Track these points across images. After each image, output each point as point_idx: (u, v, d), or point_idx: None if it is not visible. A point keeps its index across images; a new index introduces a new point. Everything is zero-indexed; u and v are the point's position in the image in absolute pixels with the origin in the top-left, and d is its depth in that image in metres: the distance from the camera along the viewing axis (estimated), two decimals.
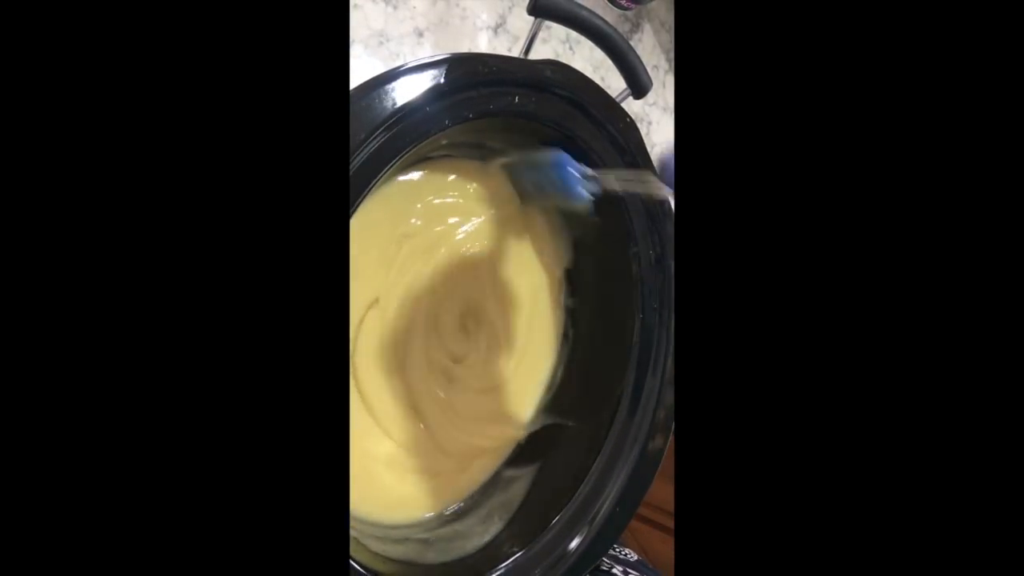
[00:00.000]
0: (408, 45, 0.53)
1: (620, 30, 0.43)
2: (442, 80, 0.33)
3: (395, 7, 0.52)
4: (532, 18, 0.41)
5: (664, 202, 0.37)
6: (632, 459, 0.42)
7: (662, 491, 0.40)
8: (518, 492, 0.45)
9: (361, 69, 0.38)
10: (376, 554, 0.37)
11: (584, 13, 0.41)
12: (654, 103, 0.71)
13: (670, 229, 0.44)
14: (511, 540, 0.41)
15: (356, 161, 0.31)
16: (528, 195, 0.44)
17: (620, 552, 0.49)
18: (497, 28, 0.59)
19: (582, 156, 0.40)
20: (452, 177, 0.44)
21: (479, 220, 0.45)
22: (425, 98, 0.33)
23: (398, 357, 0.41)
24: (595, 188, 0.38)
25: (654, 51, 0.72)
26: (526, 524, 0.42)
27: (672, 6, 0.73)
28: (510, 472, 0.47)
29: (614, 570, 0.44)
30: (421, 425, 0.43)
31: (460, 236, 0.44)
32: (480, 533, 0.42)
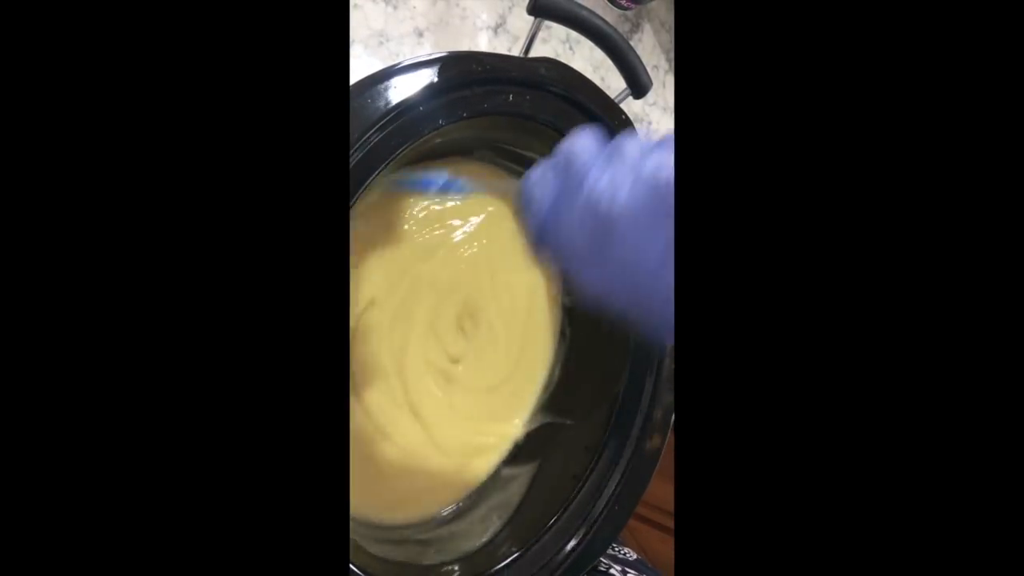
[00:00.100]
0: (408, 45, 0.53)
1: (620, 30, 0.43)
2: (436, 79, 0.33)
3: (395, 7, 0.52)
4: (532, 18, 0.41)
5: None
6: (630, 458, 0.42)
7: (661, 490, 0.40)
8: (516, 491, 0.45)
9: (361, 69, 0.38)
10: (375, 556, 0.37)
11: (584, 13, 0.41)
12: (654, 103, 0.71)
13: None
14: (509, 540, 0.41)
15: (351, 160, 0.31)
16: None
17: (619, 552, 0.49)
18: (497, 28, 0.59)
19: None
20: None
21: (476, 220, 0.45)
22: (419, 97, 0.33)
23: (396, 358, 0.41)
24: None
25: (654, 51, 0.72)
26: (524, 524, 0.42)
27: (672, 6, 0.73)
28: (508, 471, 0.47)
29: (612, 570, 0.44)
30: (419, 425, 0.43)
31: (457, 236, 0.44)
32: (479, 533, 0.42)
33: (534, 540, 0.39)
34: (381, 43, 0.51)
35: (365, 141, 0.32)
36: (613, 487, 0.41)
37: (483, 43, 0.58)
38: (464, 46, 0.56)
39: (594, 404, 0.44)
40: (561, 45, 0.63)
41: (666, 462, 0.40)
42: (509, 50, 0.59)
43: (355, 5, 0.50)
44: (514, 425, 0.48)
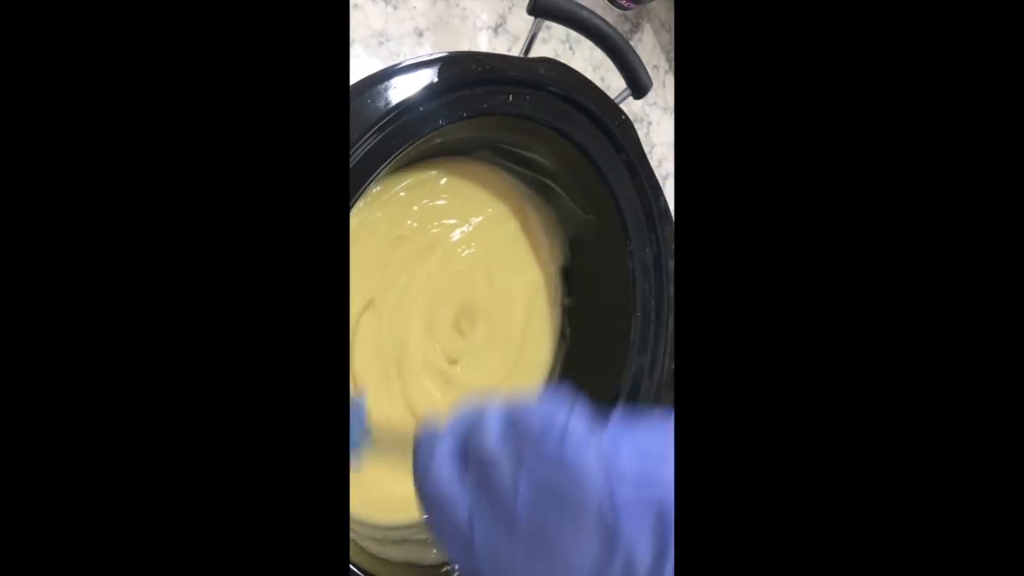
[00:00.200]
0: (408, 45, 0.53)
1: (620, 30, 0.43)
2: (436, 79, 0.33)
3: (395, 7, 0.52)
4: (532, 18, 0.41)
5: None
6: None
7: None
8: None
9: (361, 69, 0.38)
10: (375, 556, 0.37)
11: (584, 13, 0.41)
12: (654, 103, 0.71)
13: (668, 229, 0.44)
14: None
15: (351, 160, 0.31)
16: None
17: None
18: (497, 28, 0.59)
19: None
20: (447, 178, 0.44)
21: (475, 220, 0.45)
22: (419, 97, 0.33)
23: (395, 359, 0.41)
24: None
25: (654, 51, 0.72)
26: None
27: (672, 6, 0.73)
28: None
29: None
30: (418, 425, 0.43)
31: (455, 237, 0.44)
32: None
33: None
34: (381, 43, 0.51)
35: (365, 141, 0.32)
36: None
37: (483, 43, 0.58)
38: (464, 46, 0.56)
39: (594, 404, 0.44)
40: (561, 45, 0.63)
41: None
42: (509, 50, 0.59)
43: (355, 5, 0.50)
44: None
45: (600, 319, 0.47)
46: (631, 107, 0.65)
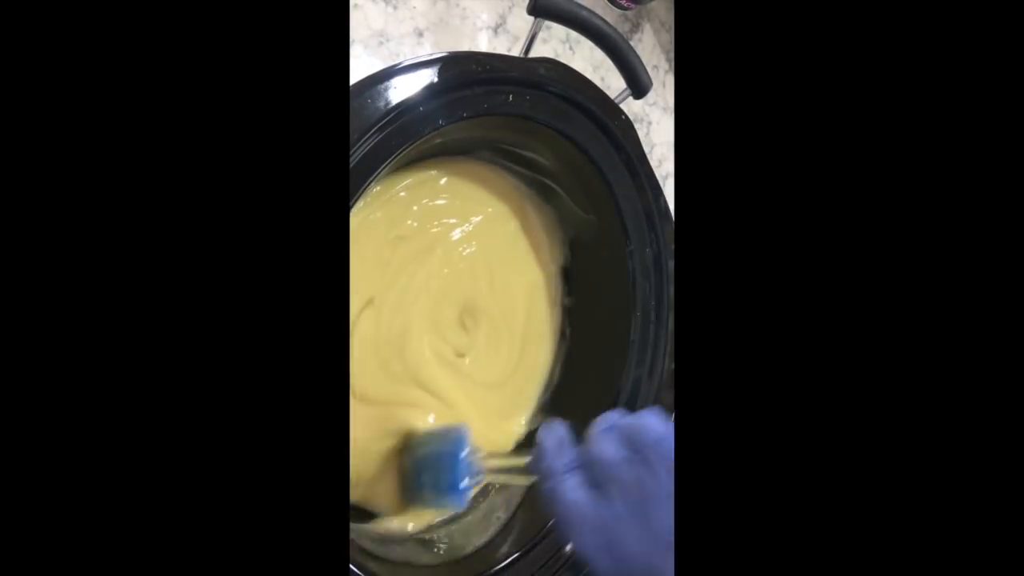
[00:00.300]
0: (408, 45, 0.53)
1: (620, 30, 0.43)
2: (436, 79, 0.33)
3: (395, 7, 0.52)
4: (532, 18, 0.41)
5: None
6: None
7: None
8: (517, 491, 0.45)
9: (361, 69, 0.38)
10: (375, 556, 0.37)
11: (584, 13, 0.41)
12: (654, 103, 0.71)
13: (668, 229, 0.44)
14: (510, 540, 0.41)
15: (351, 160, 0.31)
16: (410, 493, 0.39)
17: None
18: (497, 28, 0.59)
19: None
20: (447, 178, 0.44)
21: (475, 220, 0.45)
22: (419, 97, 0.33)
23: (394, 355, 0.41)
24: (476, 481, 0.36)
25: (654, 51, 0.72)
26: (525, 524, 0.42)
27: (672, 6, 0.73)
28: None
29: None
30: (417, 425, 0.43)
31: (456, 237, 0.44)
32: (479, 533, 0.42)
33: (534, 541, 0.39)
34: (381, 43, 0.51)
35: (365, 141, 0.32)
36: None
37: (483, 43, 0.58)
38: (464, 46, 0.56)
39: (595, 404, 0.44)
40: (561, 45, 0.63)
41: None
42: (509, 50, 0.59)
43: (355, 5, 0.50)
44: (517, 424, 0.48)
45: (600, 319, 0.47)
46: (631, 107, 0.65)
